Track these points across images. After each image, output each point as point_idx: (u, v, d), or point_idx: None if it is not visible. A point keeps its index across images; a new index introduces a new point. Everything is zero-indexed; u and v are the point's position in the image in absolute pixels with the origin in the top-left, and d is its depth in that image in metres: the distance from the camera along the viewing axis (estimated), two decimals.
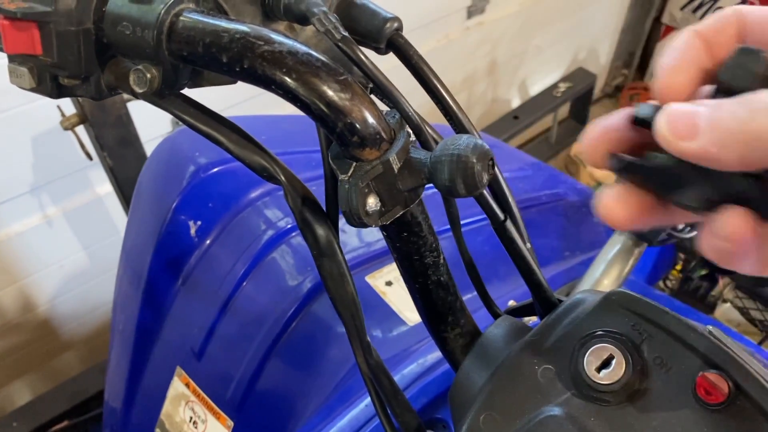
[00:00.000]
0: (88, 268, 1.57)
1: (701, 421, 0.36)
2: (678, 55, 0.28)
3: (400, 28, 0.40)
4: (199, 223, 0.81)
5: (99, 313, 1.67)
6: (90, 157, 1.13)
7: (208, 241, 0.82)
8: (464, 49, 2.11)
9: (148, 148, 1.34)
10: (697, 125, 0.24)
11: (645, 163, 0.28)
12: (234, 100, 1.54)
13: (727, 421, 0.35)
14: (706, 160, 0.25)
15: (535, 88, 2.55)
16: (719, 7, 2.71)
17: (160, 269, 0.84)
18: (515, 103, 2.51)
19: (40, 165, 1.34)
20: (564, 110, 2.35)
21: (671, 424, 0.36)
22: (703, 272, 1.21)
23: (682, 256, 1.21)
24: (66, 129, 1.06)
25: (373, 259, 0.79)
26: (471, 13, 2.05)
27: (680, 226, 0.73)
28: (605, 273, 0.73)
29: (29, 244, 1.43)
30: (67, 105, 1.13)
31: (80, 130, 1.12)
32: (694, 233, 0.76)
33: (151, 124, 1.38)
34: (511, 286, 0.76)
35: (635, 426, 0.37)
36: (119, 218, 1.53)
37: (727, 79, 0.26)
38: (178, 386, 0.83)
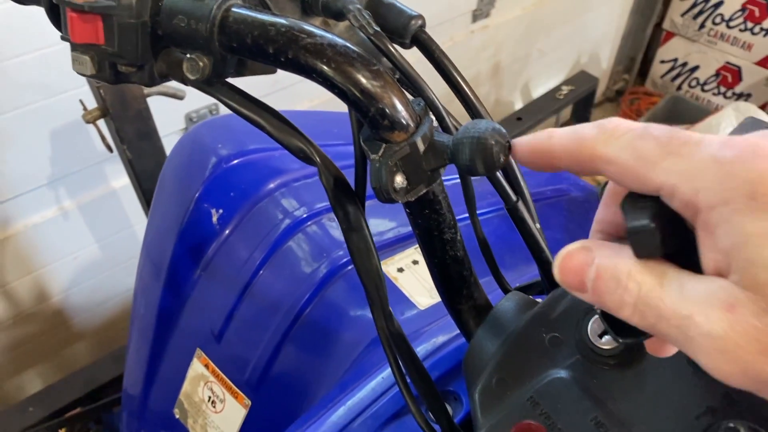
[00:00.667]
0: (101, 260, 1.61)
1: (692, 381, 0.40)
2: (606, 194, 0.33)
3: (423, 25, 0.44)
4: (220, 211, 0.85)
5: (110, 305, 1.71)
6: (111, 150, 1.17)
7: (228, 230, 0.86)
8: (469, 52, 2.16)
9: (165, 141, 1.38)
10: (584, 284, 0.28)
11: None
12: None
13: (717, 382, 0.39)
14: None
15: (538, 91, 2.59)
16: (719, 14, 2.76)
17: (182, 256, 0.88)
18: (518, 105, 2.55)
19: (58, 159, 1.38)
20: (566, 112, 2.40)
21: (665, 386, 0.40)
22: None
23: None
24: (88, 122, 1.10)
25: (386, 247, 0.83)
26: (476, 16, 2.09)
27: None
28: None
29: (45, 236, 1.47)
30: (89, 99, 1.18)
31: (101, 123, 1.16)
32: None
33: (167, 119, 1.42)
34: (517, 274, 0.80)
35: (633, 386, 0.41)
36: (133, 212, 1.57)
37: (621, 207, 0.29)
38: (197, 367, 0.87)
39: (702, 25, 2.82)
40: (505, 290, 0.51)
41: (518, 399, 0.43)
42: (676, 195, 0.25)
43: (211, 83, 0.41)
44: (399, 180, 0.39)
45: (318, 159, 0.42)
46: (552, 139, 0.31)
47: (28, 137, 1.30)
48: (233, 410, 0.83)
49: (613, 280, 0.27)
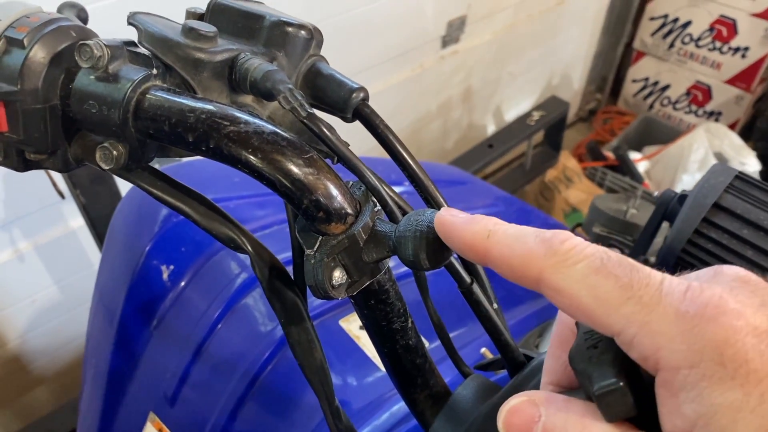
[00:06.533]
0: (60, 302, 1.55)
1: None
2: (552, 343, 0.30)
3: (366, 98, 0.41)
4: (171, 267, 0.81)
5: (71, 348, 1.64)
6: (62, 196, 1.12)
7: (181, 285, 0.82)
8: (439, 78, 2.14)
9: (121, 183, 1.33)
10: None
11: None
12: None
13: None
14: None
15: (510, 114, 2.58)
16: (688, 34, 2.78)
17: (133, 313, 0.84)
18: (490, 128, 2.54)
19: (12, 200, 1.32)
20: (538, 136, 2.39)
21: None
22: None
23: None
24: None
25: (348, 302, 0.79)
26: (446, 42, 2.07)
27: None
28: None
29: (0, 280, 1.41)
30: None
31: None
32: None
33: None
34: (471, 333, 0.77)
35: None
36: (92, 252, 1.51)
37: (571, 362, 0.26)
38: None
39: (671, 45, 2.84)
40: (464, 374, 0.47)
41: None
42: (635, 346, 0.22)
43: (130, 170, 0.37)
44: (338, 275, 0.35)
45: (250, 248, 0.38)
46: (490, 242, 0.27)
47: None
48: None
49: None
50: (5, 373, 1.55)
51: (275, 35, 0.40)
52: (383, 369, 0.73)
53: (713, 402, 0.20)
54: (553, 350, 0.29)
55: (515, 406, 0.25)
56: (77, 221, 1.44)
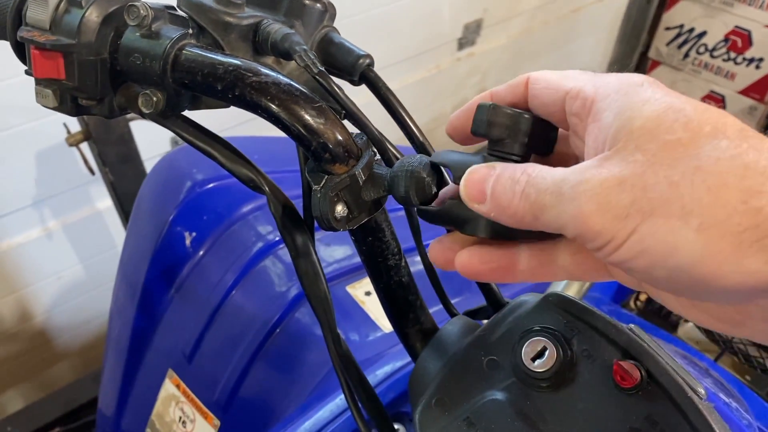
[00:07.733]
0: (85, 280, 1.62)
1: (617, 403, 0.42)
2: (468, 106, 0.37)
3: (371, 64, 0.47)
4: (194, 234, 0.87)
5: (94, 325, 1.72)
6: (92, 172, 1.19)
7: (201, 252, 0.88)
8: (455, 79, 2.20)
9: (148, 166, 1.40)
10: (485, 193, 0.31)
11: (442, 212, 0.36)
12: (230, 123, 1.61)
13: (639, 403, 0.41)
14: (493, 218, 0.32)
15: None
16: (703, 44, 2.81)
17: (156, 277, 0.90)
18: None
19: (43, 180, 1.40)
20: None
21: (593, 405, 0.42)
22: None
23: None
24: (71, 145, 1.13)
25: (354, 270, 0.85)
26: (462, 44, 2.13)
27: None
28: (567, 288, 0.79)
29: (29, 256, 1.49)
30: (73, 123, 1.20)
31: (84, 146, 1.19)
32: None
33: (151, 142, 1.45)
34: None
35: (564, 407, 0.43)
36: (117, 233, 1.58)
37: (474, 130, 0.34)
38: (169, 387, 0.89)
39: (686, 55, 2.88)
40: (452, 315, 0.53)
41: (455, 419, 0.45)
42: (579, 95, 0.31)
43: (166, 116, 0.44)
44: (339, 209, 0.41)
45: (267, 188, 0.44)
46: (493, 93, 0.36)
47: (13, 159, 1.33)
48: (203, 430, 0.85)
49: (509, 179, 0.30)
50: (30, 347, 1.63)
51: (294, 7, 0.46)
52: (384, 330, 0.79)
53: (631, 101, 0.28)
54: (465, 111, 0.38)
55: (476, 167, 0.32)
56: (103, 203, 1.52)
